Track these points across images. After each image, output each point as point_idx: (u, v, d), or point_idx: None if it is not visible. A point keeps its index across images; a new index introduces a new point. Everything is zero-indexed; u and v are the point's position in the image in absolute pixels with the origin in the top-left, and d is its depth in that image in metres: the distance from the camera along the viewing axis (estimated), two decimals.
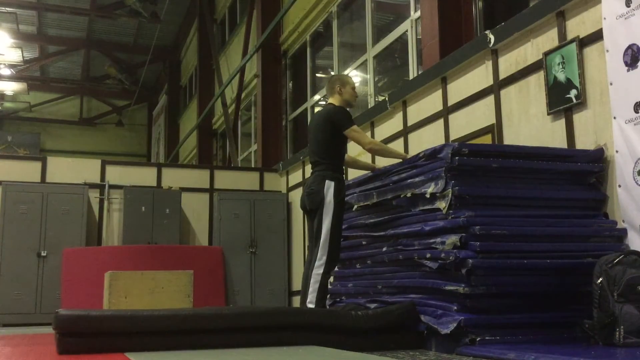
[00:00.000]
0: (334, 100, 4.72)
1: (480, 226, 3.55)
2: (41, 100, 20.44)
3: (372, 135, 7.20)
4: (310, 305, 4.29)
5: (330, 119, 4.56)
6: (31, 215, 8.60)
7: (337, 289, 5.03)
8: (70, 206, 8.80)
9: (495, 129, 5.08)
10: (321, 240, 4.38)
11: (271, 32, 10.87)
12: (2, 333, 6.20)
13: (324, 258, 4.35)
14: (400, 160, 4.47)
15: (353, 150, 7.69)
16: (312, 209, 4.52)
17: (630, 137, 3.77)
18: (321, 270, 4.34)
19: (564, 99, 4.36)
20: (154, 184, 9.66)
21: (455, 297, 3.58)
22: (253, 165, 12.09)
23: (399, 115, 6.61)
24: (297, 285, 9.33)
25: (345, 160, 4.77)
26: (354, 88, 4.79)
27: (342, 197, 4.48)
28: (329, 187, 4.42)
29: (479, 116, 5.31)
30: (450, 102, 5.75)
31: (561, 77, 4.40)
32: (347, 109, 4.71)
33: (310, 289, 4.35)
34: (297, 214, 9.42)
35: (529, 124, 4.74)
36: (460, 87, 5.61)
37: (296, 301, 9.27)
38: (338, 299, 4.98)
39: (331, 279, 5.34)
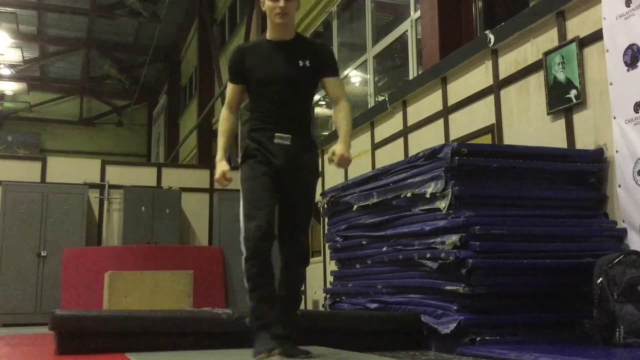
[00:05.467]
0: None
1: (480, 226, 3.55)
2: (41, 100, 20.41)
3: (372, 136, 7.19)
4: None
5: None
6: (31, 215, 8.60)
7: (337, 289, 5.03)
8: (70, 206, 8.80)
9: (495, 129, 5.08)
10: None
11: None
12: (2, 333, 6.20)
13: None
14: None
15: (353, 150, 7.69)
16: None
17: (630, 137, 3.76)
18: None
19: (564, 99, 4.36)
20: (154, 184, 9.67)
21: (455, 297, 3.58)
22: None
23: (399, 115, 6.61)
24: None
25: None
26: None
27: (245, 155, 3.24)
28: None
29: (478, 116, 5.31)
30: (450, 102, 5.75)
31: (561, 77, 4.39)
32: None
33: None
34: None
35: (528, 124, 4.73)
36: (460, 87, 5.60)
37: None
38: (338, 299, 4.97)
39: (331, 279, 5.34)
